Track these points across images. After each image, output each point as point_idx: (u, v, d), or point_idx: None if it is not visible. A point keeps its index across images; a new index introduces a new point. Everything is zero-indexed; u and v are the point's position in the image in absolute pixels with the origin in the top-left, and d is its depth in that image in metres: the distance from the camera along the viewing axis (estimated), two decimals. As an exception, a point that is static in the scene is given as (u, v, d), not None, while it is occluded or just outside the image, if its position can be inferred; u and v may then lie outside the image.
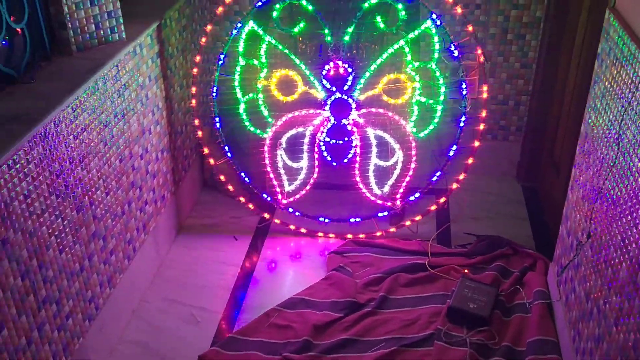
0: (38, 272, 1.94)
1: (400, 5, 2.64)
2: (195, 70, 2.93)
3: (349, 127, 2.89)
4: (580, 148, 2.37)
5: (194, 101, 2.98)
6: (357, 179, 2.99)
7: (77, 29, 2.33)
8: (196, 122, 3.00)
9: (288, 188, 3.08)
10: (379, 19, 2.68)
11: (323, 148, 2.93)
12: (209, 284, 2.87)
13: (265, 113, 2.92)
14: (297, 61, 2.80)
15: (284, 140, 2.95)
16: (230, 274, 2.92)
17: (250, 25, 2.77)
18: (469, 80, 2.74)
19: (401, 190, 3.00)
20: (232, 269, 2.95)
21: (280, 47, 2.80)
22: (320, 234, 3.14)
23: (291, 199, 3.09)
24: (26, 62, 2.17)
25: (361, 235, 3.10)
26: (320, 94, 2.85)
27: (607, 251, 1.95)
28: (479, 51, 2.77)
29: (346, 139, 2.91)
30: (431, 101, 2.82)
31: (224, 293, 2.81)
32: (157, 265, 2.93)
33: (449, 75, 2.84)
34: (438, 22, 2.67)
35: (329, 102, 2.85)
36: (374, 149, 2.93)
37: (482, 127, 2.83)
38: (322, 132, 2.91)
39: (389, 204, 3.04)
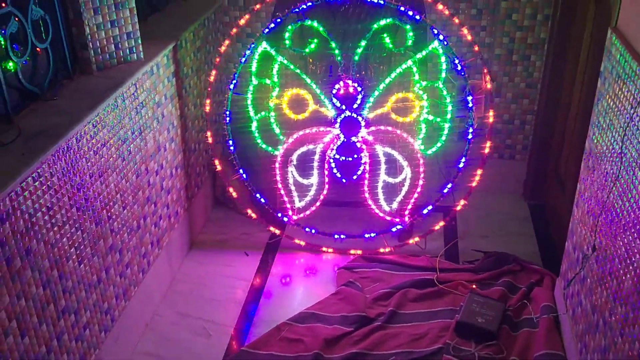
0: (58, 283, 2.01)
1: (408, 26, 2.73)
2: (212, 76, 3.00)
3: (359, 145, 2.96)
4: (585, 164, 2.43)
5: (207, 108, 3.03)
6: (366, 195, 3.05)
7: (97, 49, 2.43)
8: (209, 134, 3.07)
9: (298, 204, 3.14)
10: (387, 39, 2.76)
11: (333, 165, 3.00)
12: (220, 298, 2.92)
13: (277, 131, 3.00)
14: (308, 80, 2.89)
15: (294, 157, 3.02)
16: (241, 289, 2.97)
17: (263, 46, 2.86)
18: (476, 98, 2.81)
19: (409, 207, 3.05)
20: (243, 284, 3.01)
21: (292, 67, 2.88)
22: (329, 249, 3.19)
23: (301, 215, 3.15)
24: (49, 80, 2.26)
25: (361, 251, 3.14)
26: (330, 112, 2.93)
27: (612, 263, 2.00)
28: (487, 77, 2.84)
29: (355, 156, 2.97)
30: (438, 119, 2.89)
31: (235, 307, 2.86)
32: (170, 280, 2.99)
33: (456, 94, 2.91)
34: (445, 43, 2.75)
35: (339, 120, 2.92)
36: (383, 166, 2.99)
37: (487, 150, 2.89)
38: (332, 149, 2.98)
39: (397, 220, 3.09)
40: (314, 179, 3.07)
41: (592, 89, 2.49)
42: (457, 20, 2.81)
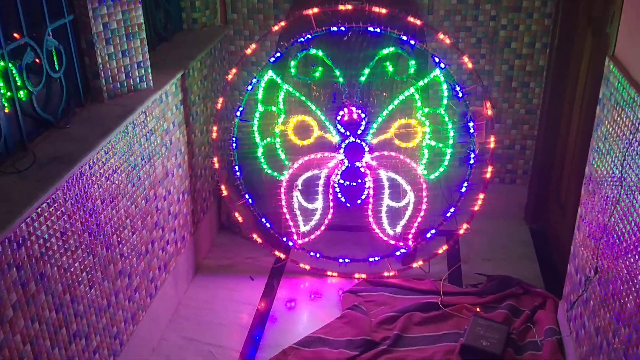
0: (70, 306, 2.04)
1: (410, 55, 2.80)
2: (219, 103, 3.06)
3: (362, 170, 3.01)
4: (586, 188, 2.48)
5: (214, 134, 3.09)
6: (370, 219, 3.09)
7: (109, 77, 2.49)
8: (215, 159, 3.13)
9: (303, 228, 3.18)
10: (390, 67, 2.84)
11: (337, 189, 3.05)
12: (226, 323, 2.94)
13: (283, 156, 3.06)
14: (313, 107, 2.95)
15: (300, 182, 3.07)
16: (247, 313, 3.00)
17: (270, 74, 2.93)
18: (477, 124, 2.88)
19: (413, 231, 3.09)
20: (249, 308, 3.03)
21: (297, 94, 2.95)
22: (334, 273, 3.22)
23: (306, 239, 3.19)
24: (62, 109, 2.32)
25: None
26: (335, 138, 2.99)
27: (615, 285, 2.03)
28: (488, 104, 2.91)
29: (359, 180, 3.03)
30: (441, 145, 2.94)
31: (241, 331, 2.88)
32: (176, 304, 3.01)
33: (458, 121, 2.98)
34: (446, 71, 2.82)
35: (343, 145, 2.98)
36: (387, 191, 3.04)
37: (488, 175, 2.94)
38: (337, 174, 3.03)
39: (401, 244, 3.13)
40: (318, 204, 3.12)
41: (590, 115, 2.55)
42: (458, 49, 2.89)
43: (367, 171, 3.02)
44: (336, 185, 3.05)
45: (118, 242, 2.36)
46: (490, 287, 3.05)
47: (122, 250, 2.39)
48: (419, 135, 2.93)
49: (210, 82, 3.34)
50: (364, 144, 2.97)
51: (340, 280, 3.22)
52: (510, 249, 3.43)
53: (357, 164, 3.00)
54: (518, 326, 2.78)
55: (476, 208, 2.97)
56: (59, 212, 1.94)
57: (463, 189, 2.93)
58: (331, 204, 3.10)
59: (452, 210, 3.00)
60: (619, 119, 2.11)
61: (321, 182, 3.08)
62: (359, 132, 2.95)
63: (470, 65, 2.84)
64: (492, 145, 2.91)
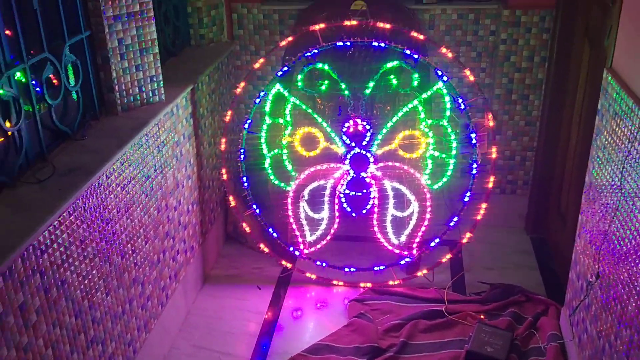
0: (88, 313, 2.10)
1: (413, 69, 2.89)
2: (227, 116, 3.14)
3: (368, 180, 3.09)
4: (586, 196, 2.56)
5: (223, 146, 3.16)
6: (375, 229, 3.16)
7: (123, 91, 2.57)
8: (223, 171, 3.19)
9: (310, 238, 3.25)
10: (394, 80, 2.92)
11: (343, 199, 3.12)
12: (234, 331, 2.99)
13: (289, 167, 3.13)
14: (319, 119, 3.03)
15: (306, 192, 3.14)
16: (254, 322, 3.05)
17: (277, 87, 3.01)
18: (478, 136, 2.96)
19: (417, 240, 3.16)
20: (257, 317, 3.08)
21: (304, 107, 3.03)
22: (340, 282, 3.28)
23: (312, 249, 3.25)
24: (79, 121, 2.39)
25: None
26: (340, 149, 3.07)
27: (616, 289, 2.10)
28: (490, 115, 2.99)
29: (365, 190, 3.10)
30: (444, 155, 3.02)
31: (249, 340, 2.93)
32: (186, 313, 3.07)
33: (460, 132, 3.06)
34: (448, 84, 2.91)
35: (348, 156, 3.05)
36: (391, 200, 3.11)
37: (490, 184, 3.02)
38: (343, 184, 3.10)
39: (405, 253, 3.19)
40: (324, 214, 3.19)
41: (589, 126, 2.63)
42: (460, 62, 2.98)
43: (372, 181, 3.09)
44: (342, 195, 3.12)
45: (132, 251, 2.42)
46: (494, 295, 3.11)
47: (135, 259, 2.45)
48: (422, 146, 3.01)
49: (218, 95, 3.42)
50: (369, 155, 3.05)
51: (346, 289, 3.28)
52: (511, 257, 3.50)
53: (363, 174, 3.08)
54: (521, 332, 2.84)
55: (479, 217, 3.04)
56: (78, 220, 2.01)
57: (466, 199, 3.01)
58: (337, 213, 3.17)
59: (455, 219, 3.07)
60: (617, 128, 2.19)
61: (327, 192, 3.14)
62: (364, 143, 3.03)
63: (471, 78, 2.93)
64: (494, 155, 2.99)
